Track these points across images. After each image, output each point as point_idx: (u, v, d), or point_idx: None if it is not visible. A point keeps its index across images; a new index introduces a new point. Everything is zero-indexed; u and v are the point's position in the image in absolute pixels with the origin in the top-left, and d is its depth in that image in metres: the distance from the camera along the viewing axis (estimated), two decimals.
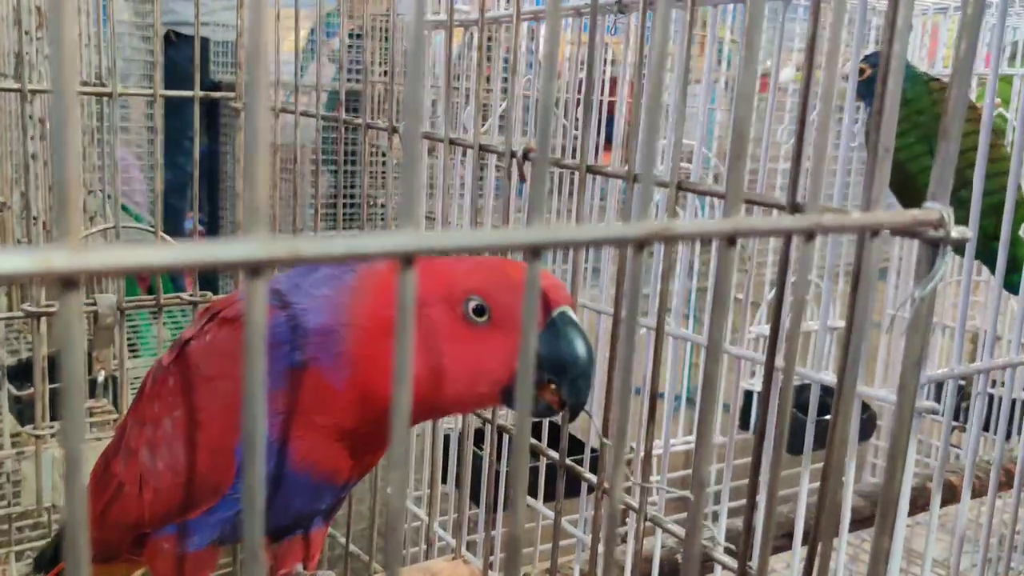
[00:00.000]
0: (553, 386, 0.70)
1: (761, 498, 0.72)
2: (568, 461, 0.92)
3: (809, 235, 0.47)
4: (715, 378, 0.44)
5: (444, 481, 1.41)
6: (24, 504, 1.30)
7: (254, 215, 0.31)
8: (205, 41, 3.85)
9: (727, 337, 1.49)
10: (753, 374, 1.91)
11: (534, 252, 0.38)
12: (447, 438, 1.38)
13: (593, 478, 0.85)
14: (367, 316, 0.75)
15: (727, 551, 0.75)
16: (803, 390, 1.49)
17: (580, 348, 0.69)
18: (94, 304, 1.27)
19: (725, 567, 0.71)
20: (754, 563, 0.72)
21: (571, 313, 0.71)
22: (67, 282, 0.28)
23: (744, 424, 1.83)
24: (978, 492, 1.32)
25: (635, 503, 0.80)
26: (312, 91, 1.34)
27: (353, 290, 0.76)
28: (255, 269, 0.31)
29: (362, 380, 0.74)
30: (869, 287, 0.55)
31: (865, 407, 1.75)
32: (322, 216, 1.38)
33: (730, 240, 0.44)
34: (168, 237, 1.32)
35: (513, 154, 0.87)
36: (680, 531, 0.79)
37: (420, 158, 0.37)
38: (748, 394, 1.83)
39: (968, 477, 0.96)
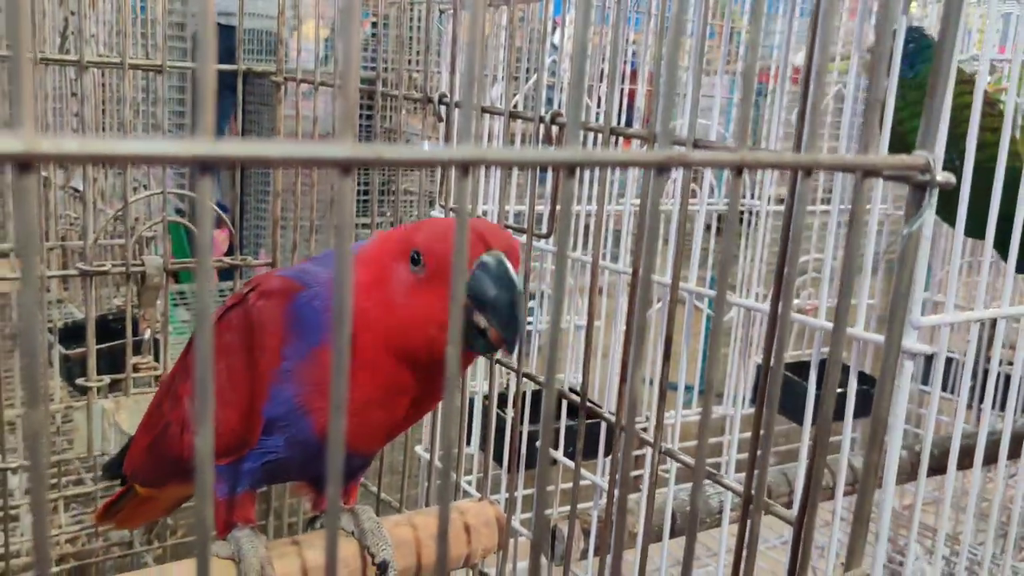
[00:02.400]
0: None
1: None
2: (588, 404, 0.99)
3: (808, 170, 0.54)
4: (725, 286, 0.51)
5: (468, 443, 1.49)
6: (76, 451, 1.39)
7: (345, 120, 0.38)
8: (231, 29, 3.96)
9: (736, 289, 1.55)
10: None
11: (570, 169, 0.45)
12: (471, 401, 1.45)
13: (612, 417, 0.92)
14: (356, 288, 0.83)
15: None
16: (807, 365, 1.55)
17: (499, 285, 0.76)
18: (142, 265, 1.35)
19: (732, 490, 0.77)
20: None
21: (498, 255, 0.77)
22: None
23: (754, 399, 1.89)
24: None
25: (650, 439, 0.87)
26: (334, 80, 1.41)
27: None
28: (346, 168, 0.38)
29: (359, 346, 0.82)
30: (862, 226, 0.61)
31: (870, 381, 1.80)
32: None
33: (738, 170, 0.51)
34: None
35: (542, 119, 0.94)
36: (690, 460, 0.86)
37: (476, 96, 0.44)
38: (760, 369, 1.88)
39: (980, 445, 1.02)
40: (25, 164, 0.32)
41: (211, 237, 0.37)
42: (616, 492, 0.99)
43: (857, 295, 1.01)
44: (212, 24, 0.36)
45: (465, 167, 0.41)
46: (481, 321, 0.78)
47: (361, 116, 3.99)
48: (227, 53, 1.39)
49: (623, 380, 0.91)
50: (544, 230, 1.03)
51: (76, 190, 2.02)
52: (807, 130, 0.54)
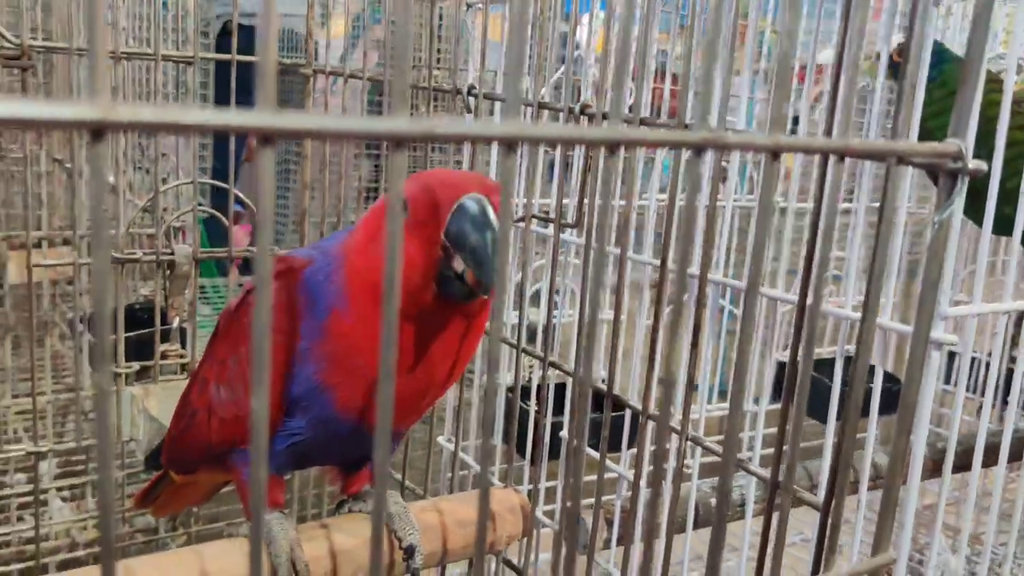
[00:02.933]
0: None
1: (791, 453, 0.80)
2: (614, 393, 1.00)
3: (841, 156, 0.55)
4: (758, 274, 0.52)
5: (491, 434, 1.49)
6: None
7: (399, 97, 0.40)
8: (252, 29, 4.03)
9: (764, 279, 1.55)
10: (786, 347, 1.97)
11: (611, 148, 0.46)
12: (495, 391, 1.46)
13: (638, 405, 0.93)
14: (353, 250, 0.84)
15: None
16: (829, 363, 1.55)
17: (475, 226, 0.76)
18: (171, 253, 1.37)
19: (759, 476, 0.78)
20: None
21: (477, 198, 0.77)
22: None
23: (777, 396, 1.89)
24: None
25: (677, 427, 0.88)
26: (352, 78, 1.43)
27: (347, 236, 0.86)
28: (399, 142, 0.40)
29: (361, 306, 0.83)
30: (894, 213, 0.62)
31: (894, 380, 1.80)
32: (364, 199, 1.48)
33: (774, 154, 0.52)
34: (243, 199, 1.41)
35: (571, 109, 0.95)
36: (718, 448, 0.87)
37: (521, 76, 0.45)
38: (781, 365, 1.89)
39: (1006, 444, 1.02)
40: (99, 131, 0.33)
41: (272, 208, 0.39)
42: (642, 482, 1.00)
43: (882, 292, 1.02)
44: (273, 7, 0.37)
45: (510, 143, 0.43)
46: (459, 265, 0.77)
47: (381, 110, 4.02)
48: (250, 51, 1.41)
49: (651, 371, 0.92)
50: (571, 220, 1.04)
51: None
52: (839, 116, 0.55)
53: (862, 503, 0.96)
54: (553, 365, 1.06)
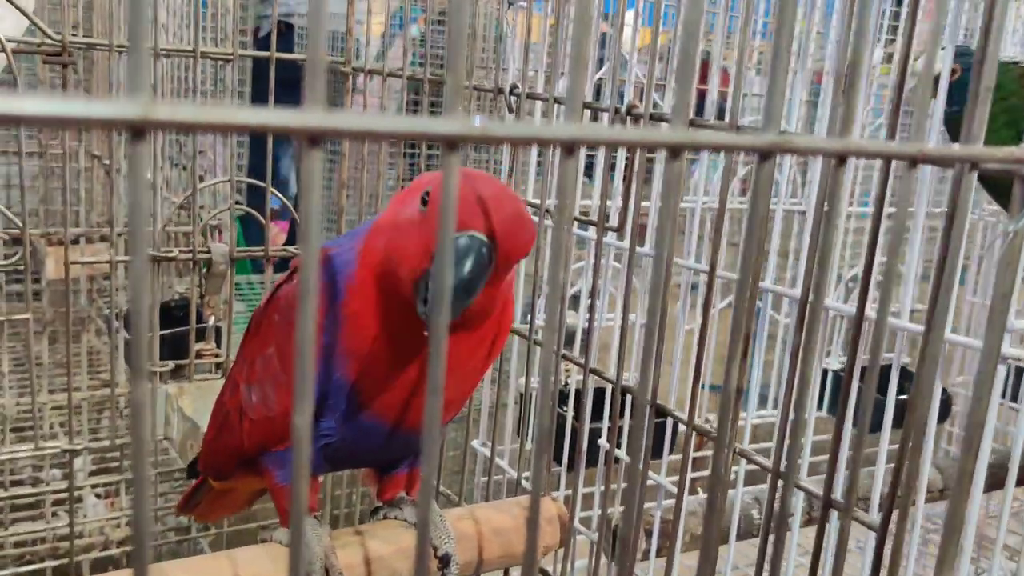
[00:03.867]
0: None
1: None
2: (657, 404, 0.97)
3: (912, 161, 0.52)
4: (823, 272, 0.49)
5: (528, 440, 1.48)
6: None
7: (455, 95, 0.37)
8: (290, 27, 4.06)
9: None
10: (828, 353, 1.93)
11: (673, 152, 0.43)
12: (531, 396, 1.44)
13: (682, 415, 0.90)
14: (371, 234, 0.82)
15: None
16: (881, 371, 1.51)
17: (455, 264, 0.72)
18: (208, 252, 1.36)
19: (809, 492, 0.75)
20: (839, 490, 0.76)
21: (472, 240, 0.73)
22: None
23: (823, 404, 1.85)
24: None
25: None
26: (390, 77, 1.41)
27: (367, 228, 0.84)
28: (452, 144, 0.37)
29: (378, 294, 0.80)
30: (964, 222, 0.59)
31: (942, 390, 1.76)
32: None
33: (840, 159, 0.49)
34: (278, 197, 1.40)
35: (617, 110, 0.92)
36: (766, 461, 0.84)
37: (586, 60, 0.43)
38: (826, 373, 1.85)
39: None
40: (139, 130, 0.31)
41: (318, 206, 0.36)
42: (675, 490, 0.97)
43: (902, 299, 0.98)
44: (325, 5, 0.35)
45: (570, 147, 0.40)
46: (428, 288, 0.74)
47: (413, 112, 4.01)
48: (289, 51, 1.41)
49: (696, 379, 0.89)
50: (615, 223, 1.01)
51: None
52: (915, 121, 0.52)
53: (917, 522, 0.92)
54: (594, 372, 1.04)
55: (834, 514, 0.80)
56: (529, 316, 1.15)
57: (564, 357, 1.05)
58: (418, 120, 0.37)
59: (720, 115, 1.46)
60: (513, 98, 1.10)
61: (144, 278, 0.34)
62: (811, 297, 0.57)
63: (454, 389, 0.88)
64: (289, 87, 1.41)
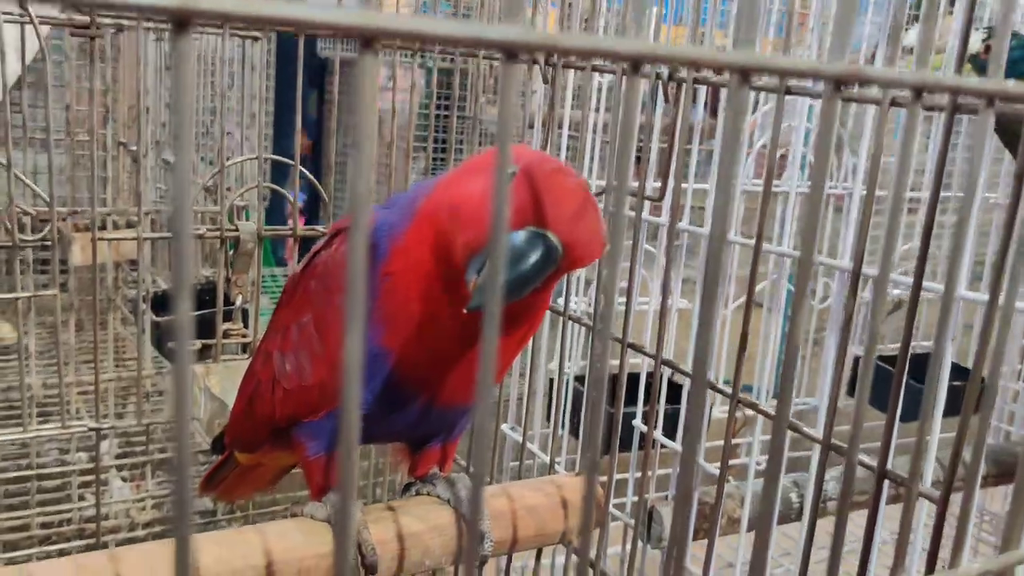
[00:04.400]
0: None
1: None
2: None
3: (990, 100, 0.49)
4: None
5: (563, 426, 1.45)
6: (167, 414, 1.39)
7: (514, 5, 0.35)
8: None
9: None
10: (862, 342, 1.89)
11: (743, 74, 0.40)
12: (564, 380, 1.41)
13: (726, 388, 0.87)
14: (430, 196, 0.79)
15: None
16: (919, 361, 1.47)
17: (511, 260, 0.70)
18: (236, 230, 1.34)
19: (865, 465, 0.72)
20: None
21: (534, 236, 0.70)
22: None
23: (852, 391, 1.81)
24: None
25: (770, 410, 0.82)
26: (411, 67, 1.38)
27: (427, 188, 0.80)
28: (511, 53, 0.35)
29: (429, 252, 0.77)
30: None
31: (966, 375, 1.71)
32: None
33: (917, 92, 0.46)
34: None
35: (658, 75, 0.89)
36: (815, 433, 0.81)
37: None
38: (858, 360, 1.81)
39: None
40: (182, 20, 0.29)
41: (373, 126, 0.34)
42: (724, 473, 0.94)
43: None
44: None
45: (636, 63, 0.38)
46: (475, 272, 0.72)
47: (439, 106, 3.99)
48: (307, 46, 1.39)
49: (741, 353, 0.86)
50: (656, 194, 0.98)
51: (167, 162, 2.04)
52: (992, 61, 0.49)
53: (974, 499, 0.89)
54: (631, 347, 1.01)
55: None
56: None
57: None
58: (473, 24, 0.34)
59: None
60: (548, 68, 1.08)
61: (186, 182, 0.31)
62: (878, 272, 0.54)
63: (516, 337, 0.85)
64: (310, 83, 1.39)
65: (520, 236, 0.70)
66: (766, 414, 0.85)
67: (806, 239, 0.47)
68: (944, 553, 0.65)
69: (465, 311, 0.71)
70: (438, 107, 4.01)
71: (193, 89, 0.28)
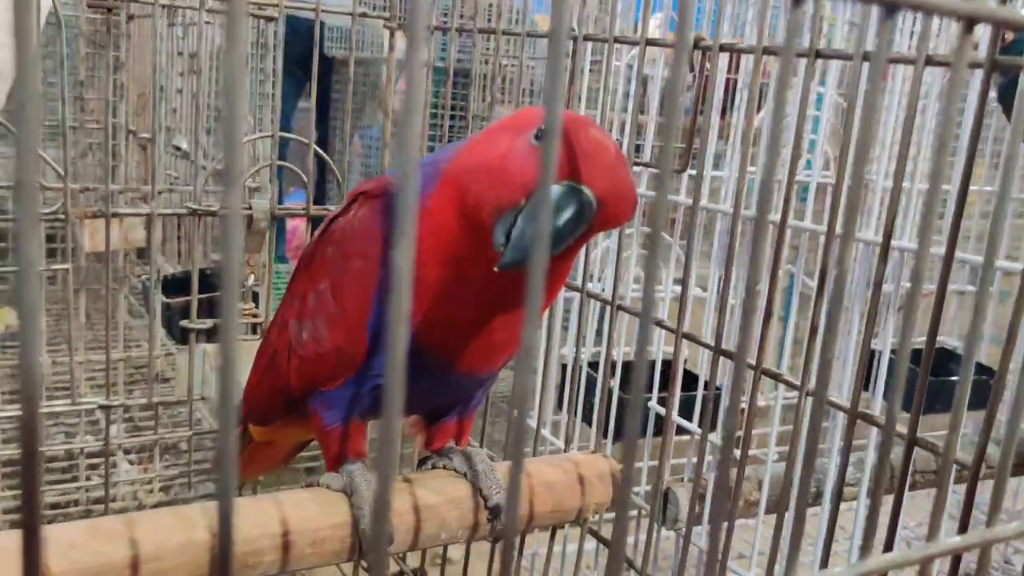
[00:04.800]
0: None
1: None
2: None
3: None
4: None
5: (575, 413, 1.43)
6: (176, 395, 1.38)
7: None
8: (321, 24, 4.04)
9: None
10: (877, 334, 1.87)
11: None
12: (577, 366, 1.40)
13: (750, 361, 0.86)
14: (459, 153, 0.77)
15: None
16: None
17: (557, 209, 0.69)
18: (249, 208, 1.33)
19: (876, 425, 0.71)
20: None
21: (573, 191, 0.69)
22: None
23: (866, 385, 1.80)
24: None
25: (795, 380, 0.81)
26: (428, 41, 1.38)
27: (454, 150, 0.79)
28: None
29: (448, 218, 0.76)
30: None
31: (989, 372, 1.70)
32: None
33: (969, 23, 0.45)
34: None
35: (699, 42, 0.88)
36: (842, 401, 0.80)
37: None
38: (871, 354, 1.79)
39: None
40: None
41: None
42: (735, 457, 0.92)
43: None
44: None
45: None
46: (505, 229, 0.71)
47: (455, 106, 3.97)
48: (308, 42, 1.39)
49: (767, 320, 0.85)
50: (678, 165, 0.97)
51: (178, 148, 2.04)
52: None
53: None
54: (658, 324, 0.99)
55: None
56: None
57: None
58: None
59: None
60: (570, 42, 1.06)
61: (239, 148, 0.30)
62: (922, 247, 0.53)
63: (513, 333, 0.84)
64: (302, 76, 1.37)
65: (556, 189, 0.69)
66: (789, 383, 0.84)
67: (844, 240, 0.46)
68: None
69: (496, 269, 0.70)
70: (455, 108, 3.99)
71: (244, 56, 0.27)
